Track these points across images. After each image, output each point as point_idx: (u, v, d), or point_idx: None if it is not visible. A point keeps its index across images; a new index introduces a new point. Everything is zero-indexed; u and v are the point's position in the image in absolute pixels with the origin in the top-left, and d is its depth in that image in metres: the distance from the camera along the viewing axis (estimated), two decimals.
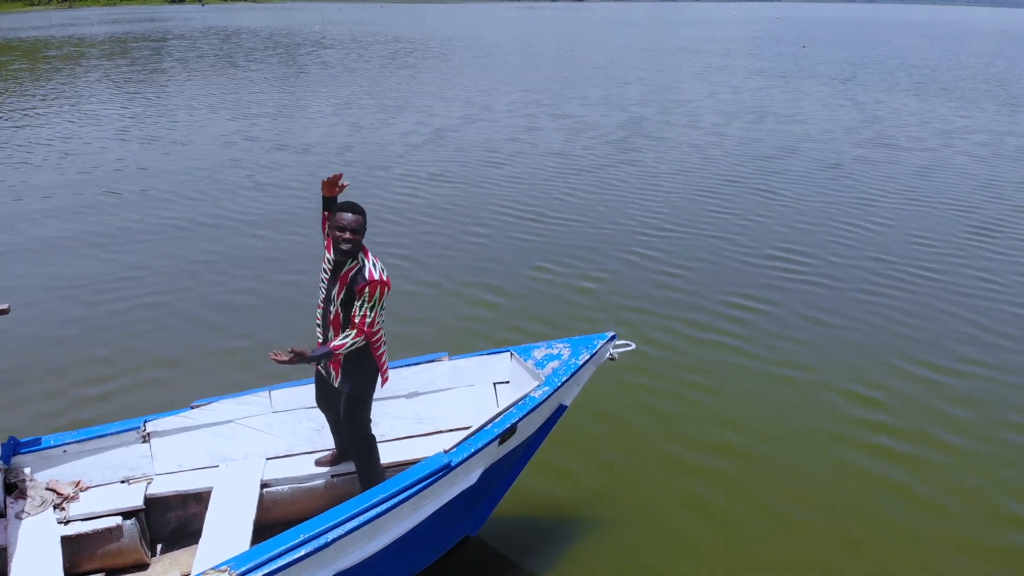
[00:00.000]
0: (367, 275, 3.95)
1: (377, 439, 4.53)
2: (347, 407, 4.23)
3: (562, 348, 4.82)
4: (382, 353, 4.25)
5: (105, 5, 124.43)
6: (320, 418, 4.75)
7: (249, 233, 10.70)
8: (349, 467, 4.60)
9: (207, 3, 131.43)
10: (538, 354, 4.85)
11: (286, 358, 3.74)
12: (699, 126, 19.08)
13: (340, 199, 4.16)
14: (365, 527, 3.72)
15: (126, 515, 4.27)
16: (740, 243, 10.32)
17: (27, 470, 4.35)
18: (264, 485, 4.51)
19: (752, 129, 18.68)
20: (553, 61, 37.16)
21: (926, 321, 8.03)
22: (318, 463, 4.65)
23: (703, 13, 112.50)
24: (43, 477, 4.40)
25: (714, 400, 6.57)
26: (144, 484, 4.48)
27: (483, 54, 41.38)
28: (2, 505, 4.16)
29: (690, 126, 19.04)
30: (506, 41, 52.24)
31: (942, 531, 5.08)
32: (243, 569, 3.38)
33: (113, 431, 4.54)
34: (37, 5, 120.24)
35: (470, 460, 4.08)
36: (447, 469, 3.98)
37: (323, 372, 4.33)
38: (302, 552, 3.52)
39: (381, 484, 3.89)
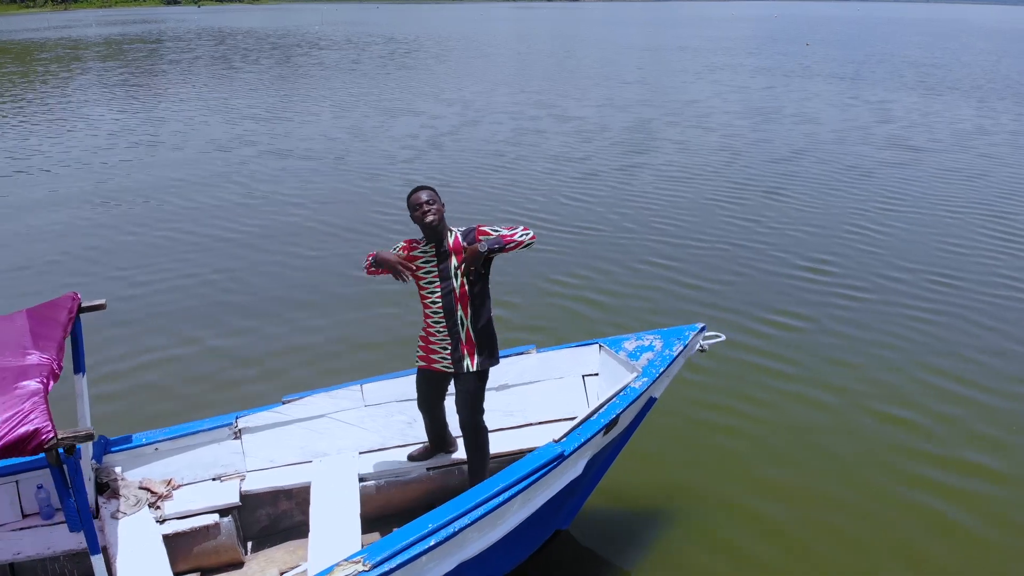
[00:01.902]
0: (472, 226, 4.10)
1: (459, 432, 4.52)
2: (467, 394, 4.21)
3: (653, 339, 4.77)
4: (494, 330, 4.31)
5: (100, 7, 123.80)
6: (412, 410, 4.67)
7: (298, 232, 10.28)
8: (443, 460, 4.60)
9: (203, 4, 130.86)
10: (629, 346, 4.81)
11: (467, 258, 3.97)
12: (709, 127, 18.65)
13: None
14: (487, 517, 3.71)
15: (222, 512, 4.23)
16: (763, 251, 9.87)
17: (118, 469, 4.28)
18: (360, 480, 4.45)
19: (762, 130, 18.26)
20: (553, 61, 36.75)
21: (956, 334, 7.60)
22: (411, 457, 4.61)
23: (699, 12, 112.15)
24: (134, 476, 4.33)
25: (748, 424, 6.14)
26: (237, 481, 4.43)
27: (481, 55, 41.00)
28: (94, 505, 4.06)
29: (699, 127, 18.62)
30: (503, 41, 51.86)
31: (984, 564, 4.66)
32: (377, 559, 3.36)
33: (205, 428, 4.46)
34: (32, 7, 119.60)
35: (579, 450, 4.06)
36: (560, 458, 3.96)
37: (452, 367, 4.22)
38: (432, 542, 3.50)
39: (498, 474, 3.85)
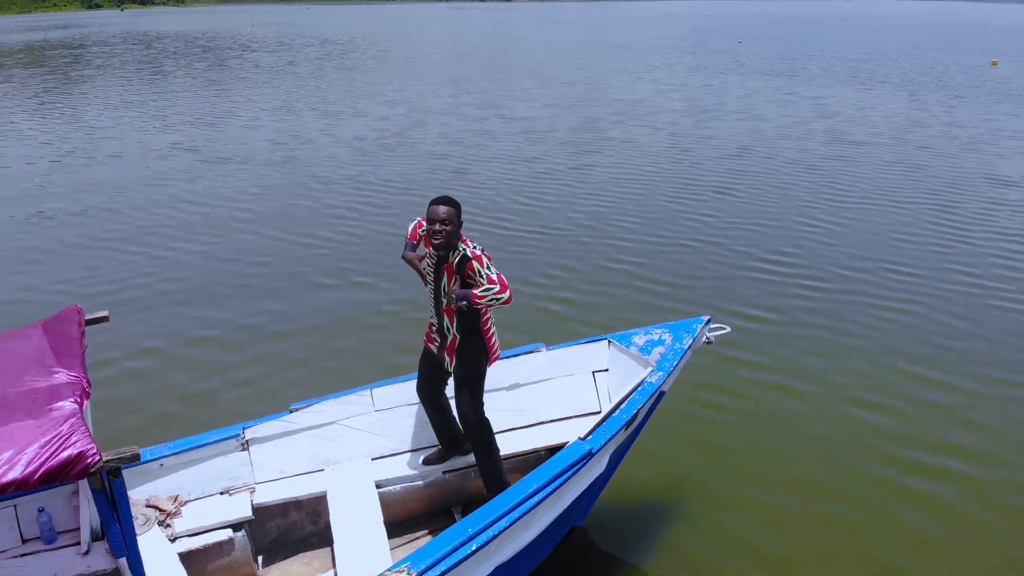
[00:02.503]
0: (470, 255, 4.06)
1: None
2: (463, 388, 4.24)
3: (662, 333, 4.82)
4: (492, 334, 4.31)
5: (20, 12, 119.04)
6: (424, 414, 4.65)
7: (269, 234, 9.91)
8: (457, 463, 4.57)
9: (126, 8, 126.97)
10: (639, 340, 4.84)
11: (447, 295, 4.04)
12: (655, 125, 18.80)
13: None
14: (522, 519, 3.70)
15: (235, 527, 4.12)
16: (723, 247, 9.96)
17: None
18: (377, 486, 4.38)
19: (707, 127, 18.48)
20: (494, 62, 36.66)
21: (921, 321, 7.77)
22: (426, 461, 4.58)
23: (631, 12, 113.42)
24: (140, 494, 4.17)
25: (733, 417, 6.15)
26: (247, 493, 4.31)
27: (420, 55, 40.67)
28: (98, 526, 3.83)
29: (646, 126, 18.75)
30: (441, 41, 51.57)
31: (973, 540, 4.74)
32: (423, 568, 3.34)
33: (212, 440, 4.31)
34: None
35: (605, 446, 4.08)
36: (589, 456, 3.97)
37: (433, 363, 4.34)
38: (473, 547, 3.49)
39: (529, 475, 3.83)
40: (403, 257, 4.34)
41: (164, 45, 48.98)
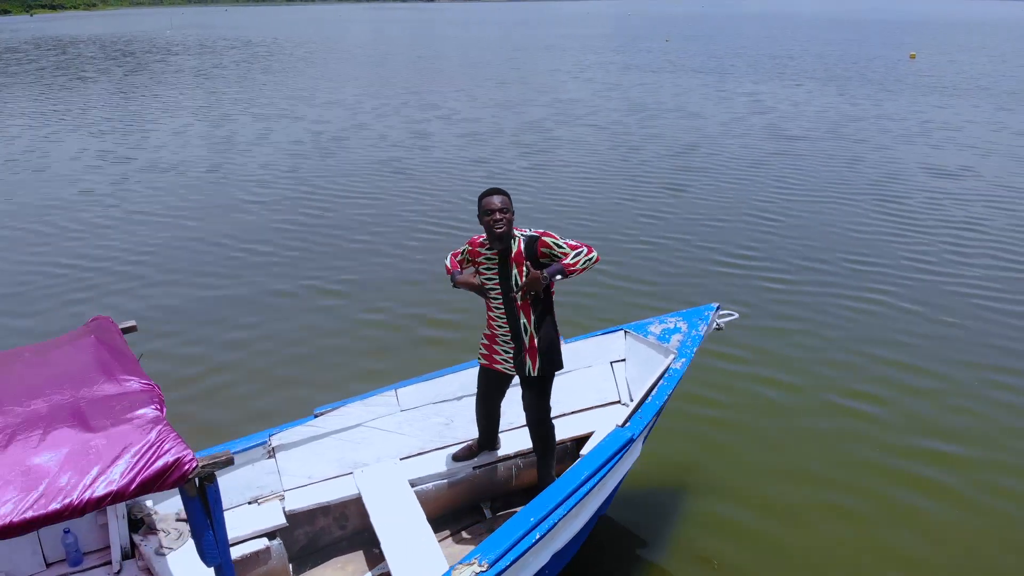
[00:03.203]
0: (535, 234, 3.94)
1: (504, 428, 4.69)
2: (535, 389, 4.16)
3: (677, 321, 4.93)
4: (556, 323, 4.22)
5: None
6: (449, 411, 4.74)
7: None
8: (486, 458, 4.60)
9: (36, 13, 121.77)
10: (655, 329, 4.95)
11: (525, 285, 3.88)
12: (598, 125, 18.81)
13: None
14: (576, 506, 3.77)
15: (269, 536, 4.05)
16: (682, 244, 9.96)
17: (149, 503, 4.04)
18: (411, 485, 4.38)
19: (650, 126, 18.58)
20: (426, 62, 36.31)
21: (887, 310, 7.88)
22: (455, 457, 4.56)
23: (556, 12, 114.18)
24: (168, 508, 4.06)
25: (721, 411, 6.09)
26: (277, 501, 4.25)
27: (349, 56, 40.04)
28: (128, 544, 3.80)
29: (589, 126, 18.75)
30: (369, 42, 50.90)
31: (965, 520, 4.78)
32: (493, 558, 3.37)
33: (238, 449, 4.21)
34: None
35: (643, 433, 4.17)
36: (631, 442, 4.06)
37: (513, 370, 4.20)
38: (537, 536, 3.53)
39: (577, 463, 3.88)
40: (456, 284, 4.18)
41: (80, 50, 47.05)
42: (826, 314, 7.91)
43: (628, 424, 4.11)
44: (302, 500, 4.27)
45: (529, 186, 12.95)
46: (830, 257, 9.46)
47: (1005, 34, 53.11)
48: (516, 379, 4.59)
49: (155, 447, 2.54)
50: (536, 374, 4.14)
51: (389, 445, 4.60)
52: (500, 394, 4.40)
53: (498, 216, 3.87)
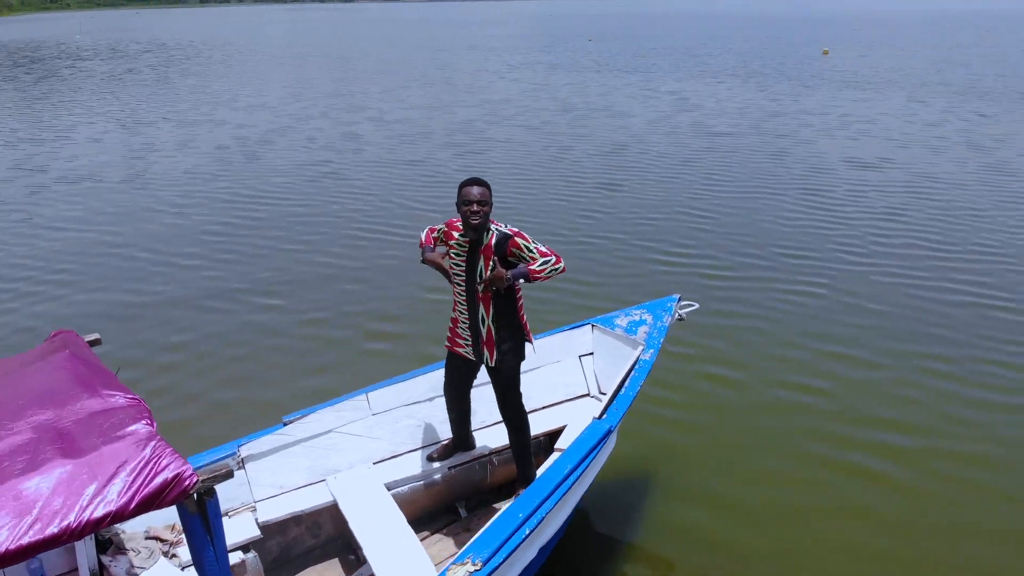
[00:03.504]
0: (509, 232, 3.95)
1: (477, 426, 4.69)
2: (508, 382, 4.16)
3: (642, 313, 5.02)
4: (524, 314, 4.19)
5: None
6: (422, 413, 4.71)
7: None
8: (462, 458, 4.58)
9: None
10: (621, 322, 5.04)
11: (487, 280, 3.87)
12: (529, 125, 18.87)
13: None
14: (561, 499, 3.82)
15: (244, 549, 3.96)
16: (620, 242, 10.06)
17: None
18: (387, 488, 4.33)
19: (580, 125, 18.72)
20: (350, 63, 35.82)
21: (825, 301, 8.11)
22: (431, 458, 4.55)
23: (476, 12, 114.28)
24: (136, 526, 3.94)
25: (670, 410, 6.16)
26: (249, 513, 4.16)
27: (271, 58, 39.24)
28: (96, 566, 3.62)
29: (519, 126, 18.78)
30: (288, 44, 49.98)
31: (912, 508, 4.97)
32: (486, 556, 3.39)
33: (205, 462, 4.06)
34: None
35: (618, 424, 4.23)
36: (609, 433, 4.13)
37: (471, 358, 4.21)
38: (527, 531, 3.57)
39: (560, 457, 3.94)
40: (424, 260, 4.23)
41: None
42: (765, 306, 8.09)
43: (605, 416, 4.18)
44: (274, 511, 4.18)
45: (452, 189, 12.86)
46: (764, 250, 9.69)
47: (911, 30, 55.46)
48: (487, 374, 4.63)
49: (152, 463, 2.45)
50: (493, 365, 4.16)
51: (361, 450, 4.53)
52: (466, 381, 4.37)
53: (475, 207, 3.88)
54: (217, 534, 2.66)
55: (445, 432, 4.76)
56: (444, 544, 4.37)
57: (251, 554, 3.94)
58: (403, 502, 4.37)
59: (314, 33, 64.37)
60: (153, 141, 17.43)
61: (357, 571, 4.15)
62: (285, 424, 4.40)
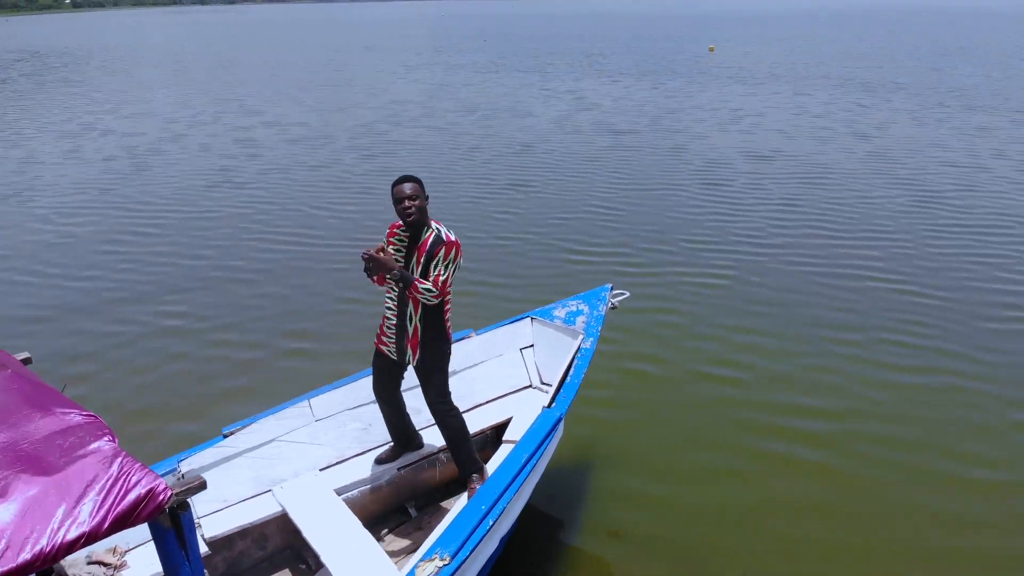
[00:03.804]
0: (444, 237, 3.97)
1: (422, 426, 4.66)
2: (430, 380, 4.17)
3: (578, 304, 5.18)
4: (449, 321, 4.21)
5: None
6: (367, 416, 4.68)
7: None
8: (410, 458, 4.57)
9: None
10: (560, 313, 5.18)
11: (373, 252, 3.79)
12: (433, 126, 18.79)
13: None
14: (521, 488, 3.88)
15: None
16: (533, 242, 10.16)
17: None
18: (337, 494, 4.27)
19: (486, 125, 18.77)
20: (242, 66, 34.79)
21: (735, 291, 8.41)
22: (378, 460, 4.55)
23: (369, 13, 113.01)
24: (77, 554, 3.64)
25: (593, 408, 6.26)
26: (196, 531, 3.79)
27: (156, 64, 37.74)
28: None
29: (422, 127, 18.68)
30: (174, 48, 48.15)
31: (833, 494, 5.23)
32: (453, 550, 3.42)
33: None
34: None
35: (567, 412, 4.34)
36: (560, 421, 4.22)
37: (394, 357, 4.21)
38: (490, 523, 3.61)
39: (516, 447, 4.01)
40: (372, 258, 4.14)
41: None
42: (679, 294, 8.35)
43: (555, 404, 4.29)
44: (219, 525, 4.06)
45: (375, 190, 12.73)
46: (673, 243, 9.95)
47: (792, 24, 58.06)
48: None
49: (122, 480, 2.36)
50: (415, 364, 4.16)
51: (307, 457, 4.46)
52: (392, 379, 4.35)
53: (407, 204, 3.92)
54: (192, 548, 2.58)
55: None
56: (397, 544, 4.34)
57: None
58: (352, 506, 4.31)
59: (197, 36, 62.22)
60: (34, 154, 16.48)
61: None
62: (225, 436, 4.29)
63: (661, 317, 7.80)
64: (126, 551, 3.89)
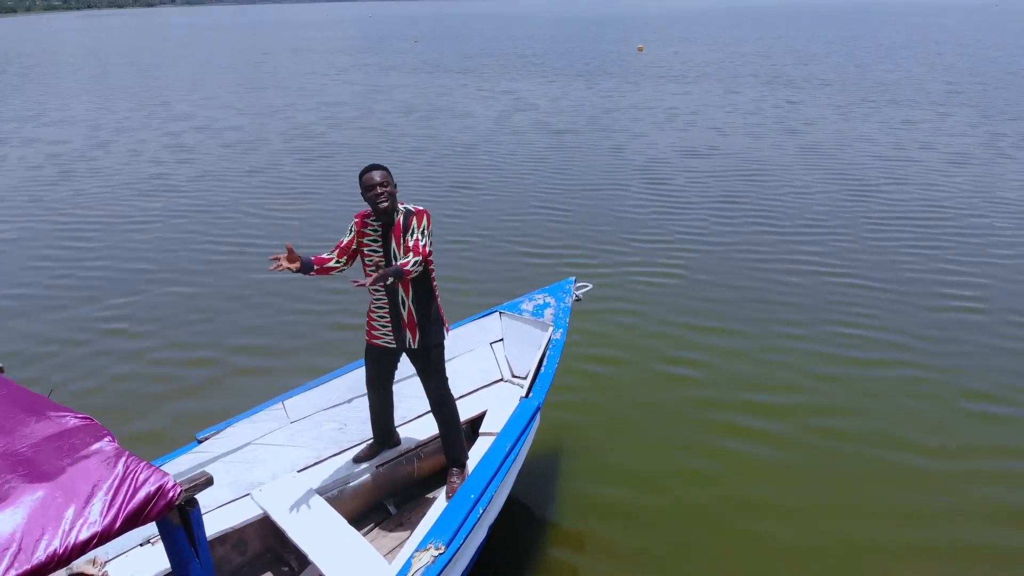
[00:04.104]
0: (413, 210, 4.03)
1: (399, 422, 4.73)
2: (434, 361, 4.21)
3: (545, 297, 5.33)
4: (440, 300, 4.27)
5: None
6: (341, 416, 4.69)
7: None
8: (387, 455, 4.59)
9: None
10: (527, 306, 5.30)
11: (366, 281, 3.72)
12: (370, 127, 18.58)
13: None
14: (506, 476, 3.95)
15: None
16: (483, 243, 10.14)
17: None
18: (318, 494, 4.26)
19: (425, 126, 18.65)
20: (166, 70, 33.79)
21: (684, 285, 8.55)
22: (357, 459, 4.55)
23: (291, 14, 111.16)
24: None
25: (561, 412, 6.27)
26: None
27: (74, 69, 36.39)
28: None
29: (360, 128, 18.46)
30: (93, 53, 46.50)
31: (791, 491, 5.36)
32: (447, 539, 3.47)
33: None
34: None
35: (543, 401, 4.43)
36: (538, 410, 4.31)
37: (394, 343, 4.20)
38: (480, 511, 3.66)
39: (498, 437, 4.07)
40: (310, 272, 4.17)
41: None
42: (630, 293, 8.41)
43: (532, 395, 4.37)
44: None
45: (316, 194, 12.52)
46: (619, 240, 10.05)
47: (714, 25, 59.35)
48: (411, 370, 4.72)
49: (129, 479, 2.35)
50: (416, 346, 4.18)
51: (283, 459, 4.44)
52: (387, 373, 4.37)
53: (379, 191, 3.94)
54: (202, 545, 2.57)
55: (367, 432, 4.74)
56: (380, 542, 4.32)
57: None
58: (333, 506, 4.31)
59: (116, 41, 60.24)
60: None
61: None
62: (200, 441, 4.24)
63: (613, 317, 7.84)
64: (106, 561, 3.83)
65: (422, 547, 3.42)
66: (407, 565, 3.35)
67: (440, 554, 3.39)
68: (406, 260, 3.89)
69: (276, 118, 20.18)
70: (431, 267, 4.15)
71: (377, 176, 3.96)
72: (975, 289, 8.33)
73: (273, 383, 6.33)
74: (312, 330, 7.68)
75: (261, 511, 4.11)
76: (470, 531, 3.57)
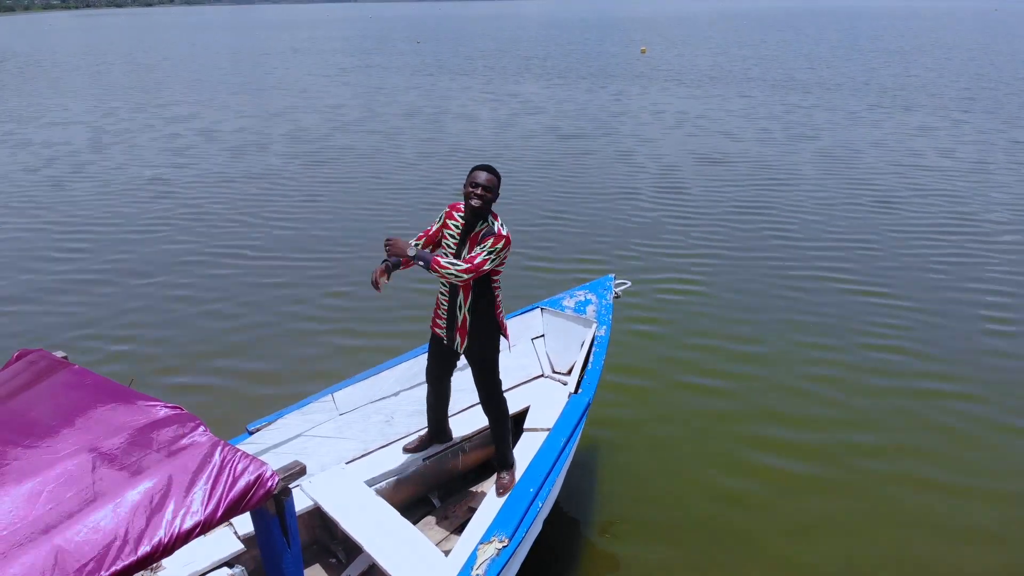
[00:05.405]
0: (495, 229, 3.98)
1: (451, 415, 4.71)
2: (482, 370, 4.22)
3: (586, 294, 5.33)
4: (501, 312, 4.23)
5: None
6: (389, 409, 4.72)
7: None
8: (435, 448, 4.58)
9: None
10: (568, 303, 5.31)
11: (398, 239, 3.95)
12: (375, 130, 18.26)
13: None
14: (561, 471, 4.02)
15: (229, 564, 3.84)
16: None
17: None
18: (368, 485, 4.28)
19: (434, 131, 18.29)
20: (166, 71, 33.46)
21: (700, 298, 8.24)
22: (406, 449, 4.58)
23: (287, 15, 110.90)
24: None
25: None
26: (227, 527, 3.98)
27: (72, 69, 36.07)
28: None
29: (365, 131, 18.13)
30: (90, 52, 46.16)
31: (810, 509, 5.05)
32: (510, 532, 3.55)
33: None
34: None
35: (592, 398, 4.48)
36: (588, 406, 4.37)
37: (446, 342, 4.24)
38: (539, 504, 3.74)
39: (551, 433, 4.14)
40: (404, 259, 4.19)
41: None
42: (652, 300, 8.18)
43: (581, 391, 4.43)
44: (251, 523, 3.92)
45: (322, 198, 12.19)
46: (635, 248, 9.75)
47: (714, 27, 59.13)
48: (460, 361, 4.63)
49: (228, 469, 2.37)
50: (463, 351, 4.20)
51: (333, 451, 4.45)
52: (445, 362, 4.37)
53: (479, 191, 3.95)
54: (293, 535, 2.58)
55: (414, 425, 4.72)
56: (428, 534, 4.28)
57: (237, 568, 3.81)
58: (385, 496, 4.34)
59: (114, 40, 59.90)
60: None
61: (344, 572, 4.06)
62: (251, 432, 4.29)
63: (637, 326, 7.56)
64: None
65: (485, 540, 3.49)
66: (472, 556, 3.41)
67: (504, 547, 3.47)
68: (452, 262, 3.90)
69: (279, 120, 19.84)
70: (495, 284, 4.13)
71: (482, 177, 3.96)
72: (1011, 305, 8.03)
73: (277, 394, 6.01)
74: (324, 338, 7.36)
75: (311, 503, 4.10)
76: (531, 524, 3.64)
